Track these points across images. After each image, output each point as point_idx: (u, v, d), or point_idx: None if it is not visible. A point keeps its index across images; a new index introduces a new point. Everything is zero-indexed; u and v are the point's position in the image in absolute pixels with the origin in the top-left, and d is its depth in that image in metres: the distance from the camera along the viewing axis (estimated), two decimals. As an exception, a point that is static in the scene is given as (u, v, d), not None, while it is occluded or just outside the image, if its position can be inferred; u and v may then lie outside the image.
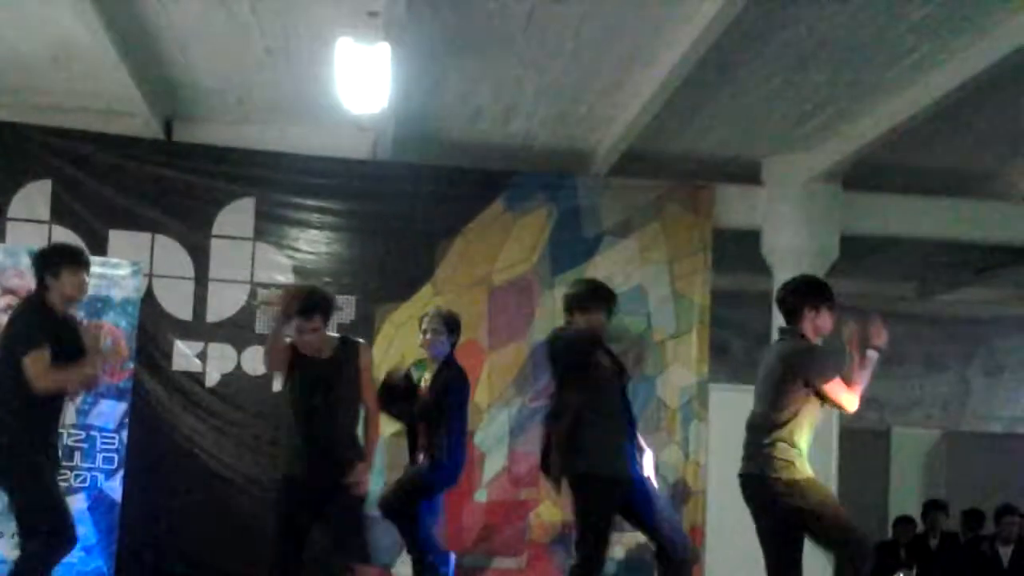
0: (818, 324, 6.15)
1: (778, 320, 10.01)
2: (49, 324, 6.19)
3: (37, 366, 5.99)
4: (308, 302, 6.37)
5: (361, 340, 6.87)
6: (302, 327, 6.28)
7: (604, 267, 10.04)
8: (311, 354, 6.40)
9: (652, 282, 10.26)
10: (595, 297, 6.63)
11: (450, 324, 7.58)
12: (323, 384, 6.35)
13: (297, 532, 6.33)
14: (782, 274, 10.31)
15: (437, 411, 7.43)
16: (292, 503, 6.38)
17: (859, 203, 10.68)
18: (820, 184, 10.37)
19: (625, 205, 10.29)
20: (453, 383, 7.55)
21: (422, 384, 7.54)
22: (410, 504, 7.51)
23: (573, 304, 6.60)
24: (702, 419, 10.16)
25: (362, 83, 7.70)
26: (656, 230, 10.33)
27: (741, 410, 9.87)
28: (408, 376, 7.66)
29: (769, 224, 10.57)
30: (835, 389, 6.01)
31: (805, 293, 6.25)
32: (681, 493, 10.06)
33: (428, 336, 7.53)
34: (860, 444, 12.25)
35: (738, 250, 10.80)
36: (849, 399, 6.06)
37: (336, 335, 6.70)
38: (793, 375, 6.02)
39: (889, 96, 8.70)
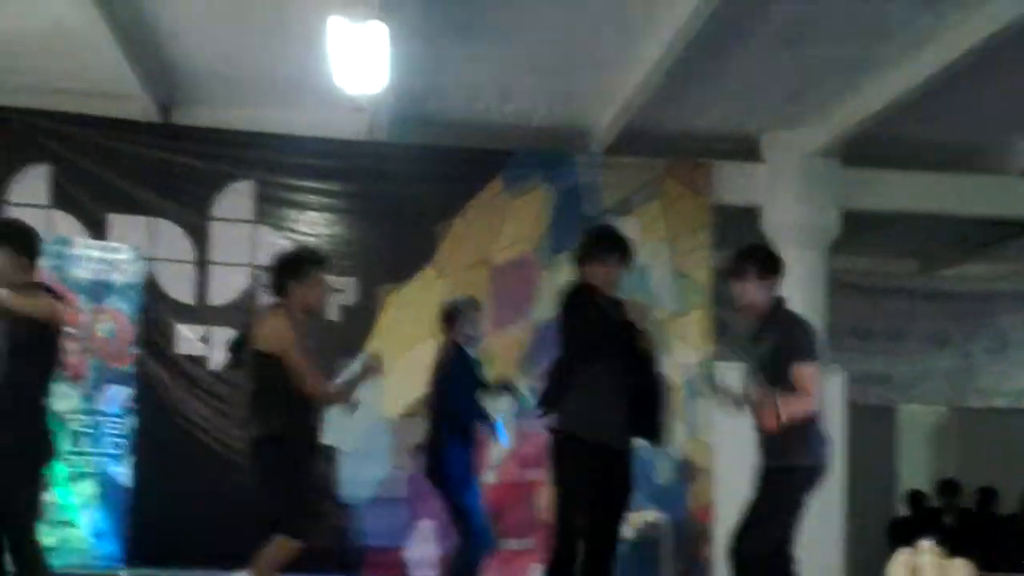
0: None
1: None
2: None
3: None
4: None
5: None
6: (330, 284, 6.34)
7: (605, 245, 10.04)
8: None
9: (653, 261, 10.24)
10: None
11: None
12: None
13: None
14: (783, 251, 10.28)
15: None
16: None
17: (859, 179, 10.66)
18: (819, 160, 10.35)
19: (625, 183, 10.30)
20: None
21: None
22: None
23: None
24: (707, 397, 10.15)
25: (358, 63, 7.67)
26: (656, 208, 10.33)
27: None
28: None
29: (769, 201, 10.55)
30: None
31: None
32: (688, 471, 10.07)
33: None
34: (867, 421, 12.24)
35: (739, 227, 10.77)
36: None
37: None
38: None
39: (888, 70, 8.68)
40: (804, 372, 5.66)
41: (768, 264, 5.98)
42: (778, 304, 5.94)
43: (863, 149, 10.26)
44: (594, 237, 6.36)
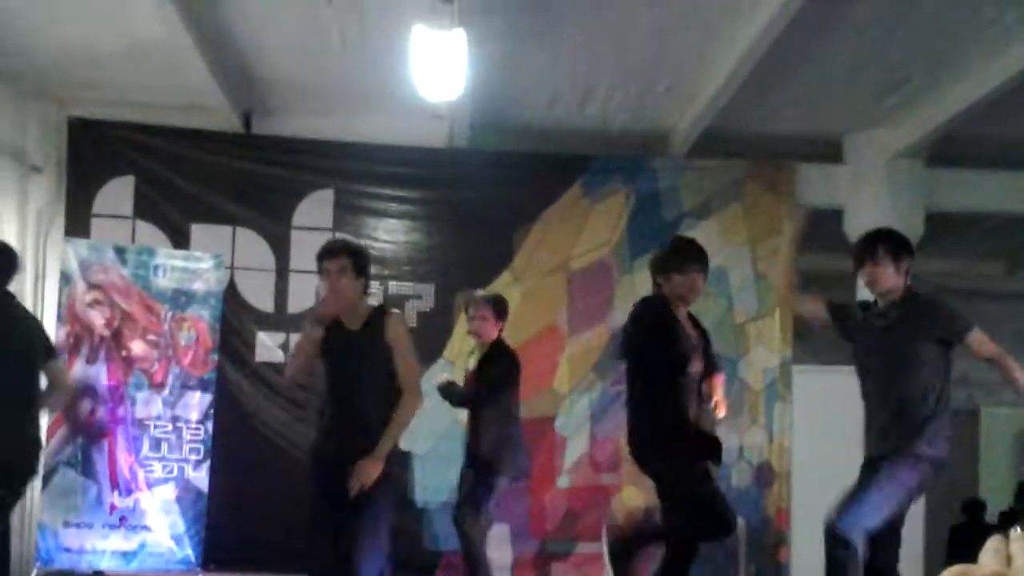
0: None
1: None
2: None
3: None
4: (331, 243, 6.02)
5: (395, 310, 6.37)
6: (329, 268, 5.68)
7: (684, 249, 9.99)
8: (345, 320, 5.75)
9: (733, 263, 10.17)
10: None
11: (498, 308, 7.61)
12: (353, 354, 5.73)
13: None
14: (867, 253, 10.16)
15: (478, 397, 7.51)
16: (321, 480, 5.86)
17: (944, 179, 10.50)
18: (903, 161, 10.21)
19: (705, 186, 10.22)
20: (497, 366, 7.54)
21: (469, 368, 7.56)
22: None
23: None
24: (786, 400, 10.07)
25: (438, 71, 7.67)
26: (736, 211, 10.24)
27: (825, 391, 9.83)
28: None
29: (852, 203, 10.43)
30: None
31: None
32: (766, 475, 9.98)
33: (476, 322, 7.54)
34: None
35: (820, 230, 10.62)
36: None
37: (373, 303, 6.15)
38: None
39: (972, 68, 8.53)
40: (978, 336, 5.62)
41: (903, 247, 5.73)
42: (912, 289, 5.73)
43: (948, 149, 10.11)
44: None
